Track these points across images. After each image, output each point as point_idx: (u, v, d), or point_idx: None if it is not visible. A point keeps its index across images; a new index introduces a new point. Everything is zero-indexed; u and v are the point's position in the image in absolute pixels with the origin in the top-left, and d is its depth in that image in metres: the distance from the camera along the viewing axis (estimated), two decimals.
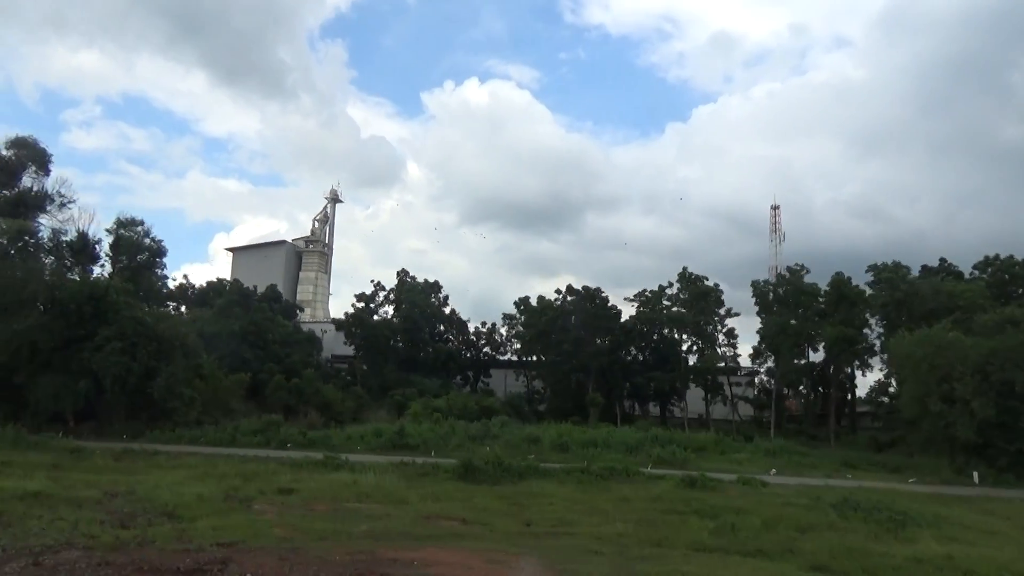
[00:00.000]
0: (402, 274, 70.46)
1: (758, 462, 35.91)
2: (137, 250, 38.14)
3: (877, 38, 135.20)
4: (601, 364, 54.25)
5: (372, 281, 67.28)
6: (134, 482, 20.47)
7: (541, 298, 66.96)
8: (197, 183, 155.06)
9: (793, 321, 50.10)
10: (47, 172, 40.74)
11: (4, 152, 39.95)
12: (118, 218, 38.23)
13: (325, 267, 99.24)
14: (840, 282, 50.84)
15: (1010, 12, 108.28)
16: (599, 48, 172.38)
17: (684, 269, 63.09)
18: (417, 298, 67.06)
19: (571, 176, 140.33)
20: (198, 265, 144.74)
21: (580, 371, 55.86)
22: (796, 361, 55.30)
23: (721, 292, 64.96)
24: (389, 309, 66.62)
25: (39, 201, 39.10)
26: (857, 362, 53.75)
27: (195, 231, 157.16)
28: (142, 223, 38.28)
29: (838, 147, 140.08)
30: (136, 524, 14.30)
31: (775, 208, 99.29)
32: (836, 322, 50.04)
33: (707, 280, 63.29)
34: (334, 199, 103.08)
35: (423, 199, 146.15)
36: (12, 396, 36.15)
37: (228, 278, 76.22)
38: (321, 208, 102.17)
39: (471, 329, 72.19)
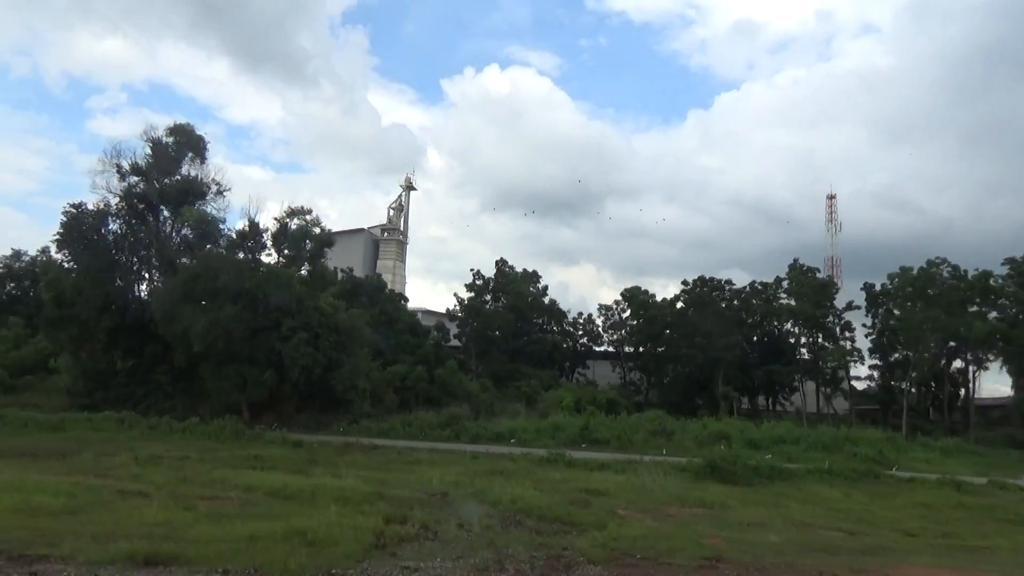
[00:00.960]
0: (501, 263, 69.78)
1: (943, 462, 34.92)
2: (304, 239, 37.58)
3: (905, 24, 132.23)
4: (732, 357, 53.26)
5: (472, 271, 66.54)
6: (435, 479, 19.83)
7: (644, 290, 66.27)
8: (220, 170, 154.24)
9: (938, 315, 48.63)
10: (203, 159, 40.35)
11: (164, 139, 39.58)
12: (289, 207, 37.66)
13: (402, 255, 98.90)
14: (986, 275, 49.46)
15: None
16: (621, 35, 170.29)
17: (795, 260, 62.04)
18: (520, 288, 66.45)
19: (592, 164, 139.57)
20: None
21: (702, 364, 54.88)
22: (925, 355, 54.00)
23: (836, 286, 63.91)
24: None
25: (200, 189, 38.67)
26: (990, 356, 52.55)
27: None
28: (310, 212, 37.71)
29: (864, 136, 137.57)
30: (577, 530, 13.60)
31: (831, 197, 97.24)
32: (979, 317, 48.83)
33: (818, 272, 62.17)
34: (408, 187, 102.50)
35: (444, 187, 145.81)
36: (187, 387, 36.01)
37: None
38: (396, 196, 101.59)
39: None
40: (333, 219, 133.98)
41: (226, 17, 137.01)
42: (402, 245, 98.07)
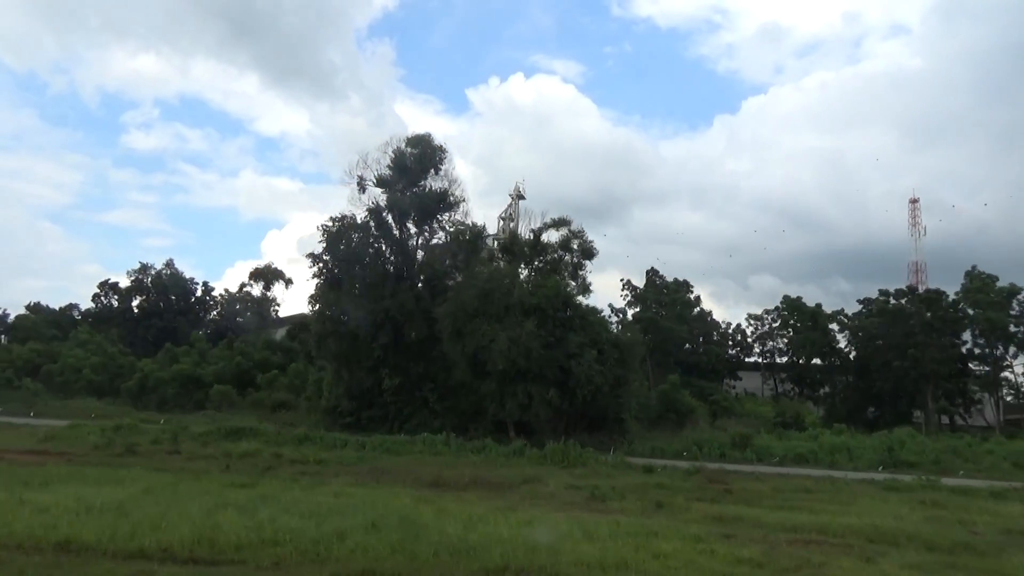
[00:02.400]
0: (651, 273, 68.52)
1: None
2: (565, 251, 36.33)
3: (935, 25, 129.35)
4: (946, 371, 51.10)
5: (621, 280, 65.61)
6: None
7: (803, 301, 64.42)
8: (250, 182, 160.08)
9: None
10: (438, 170, 39.27)
11: (405, 150, 38.62)
12: (552, 218, 36.44)
13: None
14: None
15: None
16: (647, 41, 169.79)
17: (973, 267, 59.76)
18: (677, 297, 65.04)
19: (618, 170, 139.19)
20: (252, 262, 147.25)
21: (903, 377, 52.70)
22: None
23: (1021, 290, 61.37)
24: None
25: (448, 200, 37.63)
26: None
27: (248, 229, 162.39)
28: (570, 222, 36.44)
29: (894, 138, 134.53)
30: None
31: (914, 202, 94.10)
32: None
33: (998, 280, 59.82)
34: (518, 196, 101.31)
35: (470, 195, 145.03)
36: (452, 406, 34.87)
37: None
38: (506, 206, 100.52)
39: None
40: None
41: (256, 33, 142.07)
42: None
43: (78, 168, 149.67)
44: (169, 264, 69.95)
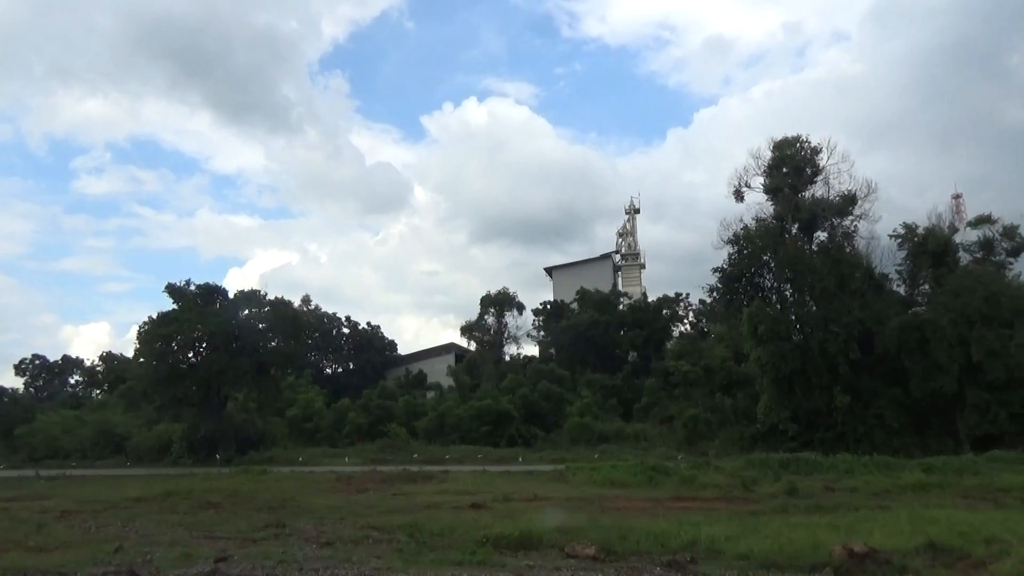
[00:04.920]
0: None
1: None
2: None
3: (872, 31, 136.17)
4: None
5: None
6: None
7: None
8: (208, 221, 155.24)
9: None
10: (818, 172, 36.75)
11: (774, 155, 36.40)
12: (978, 216, 34.59)
13: (640, 279, 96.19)
14: None
15: None
16: (597, 59, 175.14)
17: None
18: None
19: (578, 188, 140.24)
20: None
21: None
22: None
23: None
24: None
25: (839, 205, 35.32)
26: None
27: (208, 268, 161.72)
28: (995, 220, 34.61)
29: (841, 142, 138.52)
30: None
31: (956, 197, 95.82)
32: None
33: None
34: (634, 210, 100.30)
35: (431, 221, 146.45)
36: (911, 422, 32.50)
37: (551, 298, 73.54)
38: (622, 222, 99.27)
39: None
40: (323, 262, 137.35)
41: (207, 72, 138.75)
42: (640, 269, 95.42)
43: (28, 217, 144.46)
44: None
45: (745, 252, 34.57)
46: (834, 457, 26.15)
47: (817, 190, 36.46)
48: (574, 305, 62.45)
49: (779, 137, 37.06)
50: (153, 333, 34.60)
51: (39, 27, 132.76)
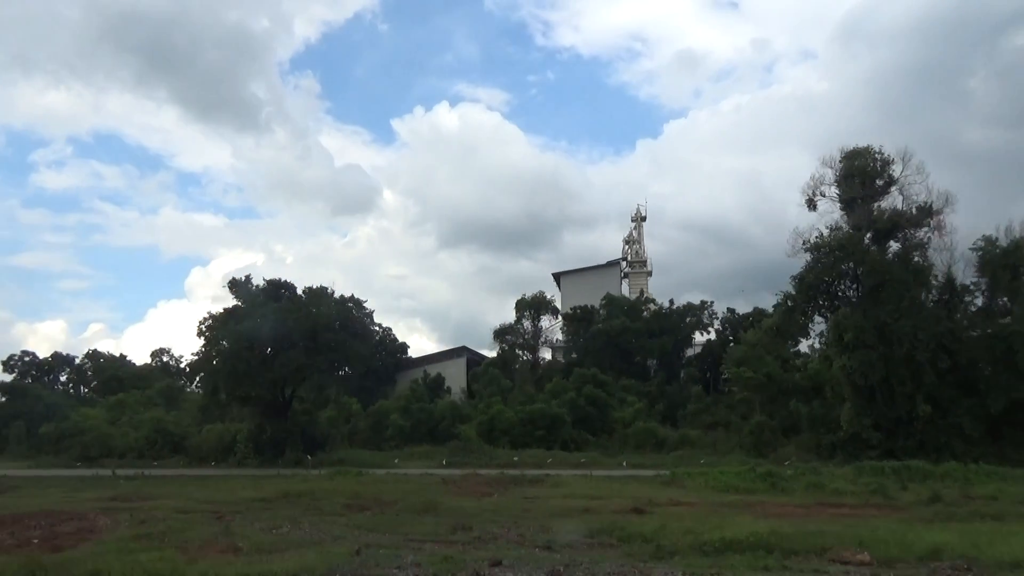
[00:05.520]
0: None
1: None
2: None
3: (838, 51, 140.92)
4: None
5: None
6: None
7: None
8: (171, 219, 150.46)
9: None
10: (892, 182, 37.16)
11: (842, 164, 36.82)
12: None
13: (647, 286, 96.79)
14: None
15: (963, 21, 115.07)
16: (570, 69, 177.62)
17: None
18: None
19: (547, 195, 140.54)
20: (176, 302, 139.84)
21: None
22: None
23: None
24: None
25: (915, 217, 35.84)
26: None
27: (170, 268, 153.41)
28: None
29: (806, 158, 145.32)
30: None
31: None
32: None
33: None
34: (640, 218, 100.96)
35: (400, 225, 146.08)
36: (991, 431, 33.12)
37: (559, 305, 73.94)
38: (628, 230, 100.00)
39: None
40: (288, 263, 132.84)
41: (175, 68, 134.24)
42: (647, 276, 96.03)
43: None
44: None
45: (821, 261, 34.78)
46: (945, 465, 26.41)
47: (889, 200, 37.01)
48: (602, 312, 62.47)
49: (850, 147, 37.57)
50: (222, 330, 33.56)
51: (0, 15, 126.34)
